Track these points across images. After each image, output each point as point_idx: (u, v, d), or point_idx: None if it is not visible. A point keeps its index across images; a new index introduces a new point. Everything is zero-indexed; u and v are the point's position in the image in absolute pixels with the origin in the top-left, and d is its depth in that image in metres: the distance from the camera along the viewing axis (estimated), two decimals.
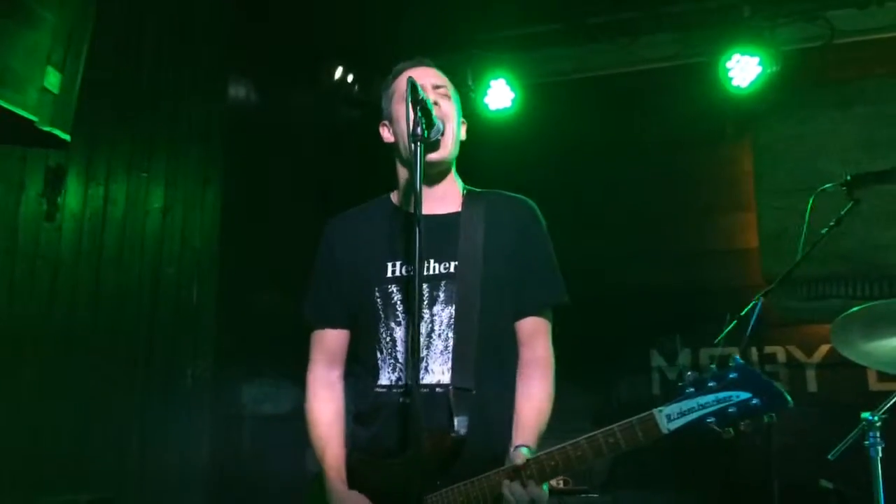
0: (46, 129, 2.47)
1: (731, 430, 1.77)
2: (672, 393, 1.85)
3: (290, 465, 4.82)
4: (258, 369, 4.83)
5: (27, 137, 2.52)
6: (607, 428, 1.86)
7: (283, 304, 4.97)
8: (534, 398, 2.14)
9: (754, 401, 1.74)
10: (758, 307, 1.72)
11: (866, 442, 3.05)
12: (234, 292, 4.71)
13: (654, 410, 1.82)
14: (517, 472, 1.90)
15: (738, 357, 1.78)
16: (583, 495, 4.15)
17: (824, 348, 4.97)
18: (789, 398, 1.73)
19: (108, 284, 4.06)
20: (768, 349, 4.99)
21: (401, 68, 2.34)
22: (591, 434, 1.87)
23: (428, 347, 2.12)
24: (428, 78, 2.28)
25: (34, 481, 3.53)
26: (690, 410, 1.79)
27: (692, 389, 1.79)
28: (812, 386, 5.01)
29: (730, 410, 1.76)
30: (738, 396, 1.75)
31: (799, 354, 5.08)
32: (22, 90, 2.35)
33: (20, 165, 3.63)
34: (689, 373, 1.81)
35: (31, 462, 3.53)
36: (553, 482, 4.13)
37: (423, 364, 2.10)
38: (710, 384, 1.78)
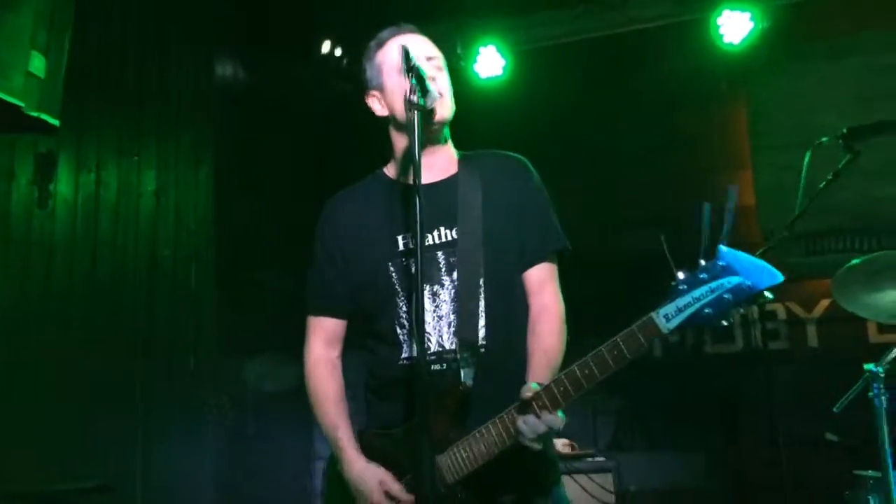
0: (34, 114, 2.43)
1: (730, 319, 1.76)
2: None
3: (294, 442, 4.85)
4: (260, 347, 4.83)
5: (15, 124, 2.49)
6: (609, 341, 1.84)
7: (282, 280, 4.97)
8: (544, 341, 2.13)
9: (747, 283, 1.71)
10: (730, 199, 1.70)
11: (870, 393, 3.06)
12: (232, 272, 4.70)
13: (652, 313, 1.80)
14: (528, 405, 1.89)
15: (722, 245, 1.75)
16: (588, 459, 4.17)
17: (824, 303, 4.98)
18: (779, 274, 1.71)
19: (105, 269, 4.05)
20: (768, 306, 4.99)
21: (386, 36, 2.27)
22: (595, 350, 1.85)
23: (454, 312, 2.12)
24: (420, 48, 2.22)
25: (37, 469, 3.54)
26: (687, 305, 1.76)
27: (685, 286, 1.76)
28: (813, 341, 5.03)
29: (725, 297, 1.73)
30: (730, 282, 1.72)
31: (799, 310, 5.10)
32: (7, 75, 2.31)
33: (9, 153, 3.59)
34: (679, 272, 1.79)
35: (33, 449, 3.53)
36: (559, 446, 4.16)
37: (452, 329, 2.11)
38: (702, 276, 1.75)
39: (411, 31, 2.29)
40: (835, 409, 3.19)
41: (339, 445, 2.18)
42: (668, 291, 1.78)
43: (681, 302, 1.77)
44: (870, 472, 3.29)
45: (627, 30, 5.37)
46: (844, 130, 3.50)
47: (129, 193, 4.24)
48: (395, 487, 2.05)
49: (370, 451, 2.16)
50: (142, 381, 4.12)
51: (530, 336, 2.16)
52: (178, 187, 4.53)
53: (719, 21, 5.10)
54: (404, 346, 2.17)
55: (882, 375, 3.05)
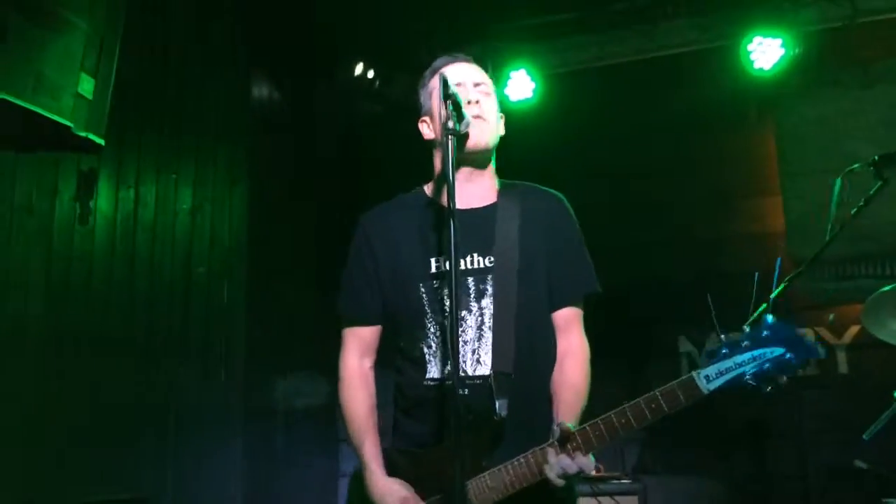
0: (82, 133, 2.53)
1: (769, 386, 1.82)
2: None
3: (323, 458, 4.89)
4: (289, 364, 4.89)
5: (63, 143, 2.58)
6: (649, 394, 1.91)
7: (310, 299, 5.04)
8: (571, 381, 2.17)
9: (788, 355, 1.81)
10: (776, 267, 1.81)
11: None
12: (263, 289, 4.78)
13: (693, 373, 1.88)
14: (563, 445, 1.93)
15: (769, 316, 1.82)
16: (614, 481, 4.17)
17: (854, 329, 4.94)
18: (821, 350, 1.79)
19: (142, 285, 4.14)
20: (798, 331, 4.96)
21: (439, 64, 2.35)
22: (633, 401, 1.92)
23: (479, 339, 2.16)
24: (468, 75, 2.30)
25: (72, 479, 3.61)
26: (728, 370, 1.84)
27: (727, 350, 1.85)
28: (843, 367, 4.99)
29: (766, 367, 1.81)
30: (772, 353, 1.82)
31: (828, 336, 5.06)
32: (57, 97, 2.41)
33: (53, 170, 3.70)
34: (722, 336, 1.86)
35: (69, 460, 3.60)
36: None
37: (476, 356, 2.15)
38: (745, 343, 1.84)
39: (462, 60, 2.36)
40: (864, 437, 3.17)
41: (365, 459, 2.22)
42: (710, 352, 1.88)
43: (723, 366, 1.86)
44: None
45: (657, 55, 5.41)
46: (876, 157, 3.50)
47: (166, 211, 4.35)
48: (416, 502, 2.08)
49: (394, 468, 2.19)
50: (175, 396, 4.19)
51: (558, 373, 2.20)
52: (213, 206, 4.62)
53: (750, 47, 5.11)
54: (429, 366, 2.21)
55: None
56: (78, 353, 3.72)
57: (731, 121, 5.47)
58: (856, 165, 3.49)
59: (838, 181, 3.55)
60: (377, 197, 2.51)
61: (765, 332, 1.82)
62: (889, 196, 3.60)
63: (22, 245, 3.54)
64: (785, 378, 1.83)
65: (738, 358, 1.83)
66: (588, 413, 2.09)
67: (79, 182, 3.83)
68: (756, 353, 1.82)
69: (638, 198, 5.54)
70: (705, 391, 1.86)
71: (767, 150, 5.42)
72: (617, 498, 4.03)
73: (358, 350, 2.37)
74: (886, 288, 3.31)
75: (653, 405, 1.89)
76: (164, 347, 4.20)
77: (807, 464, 3.46)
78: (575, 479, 2.00)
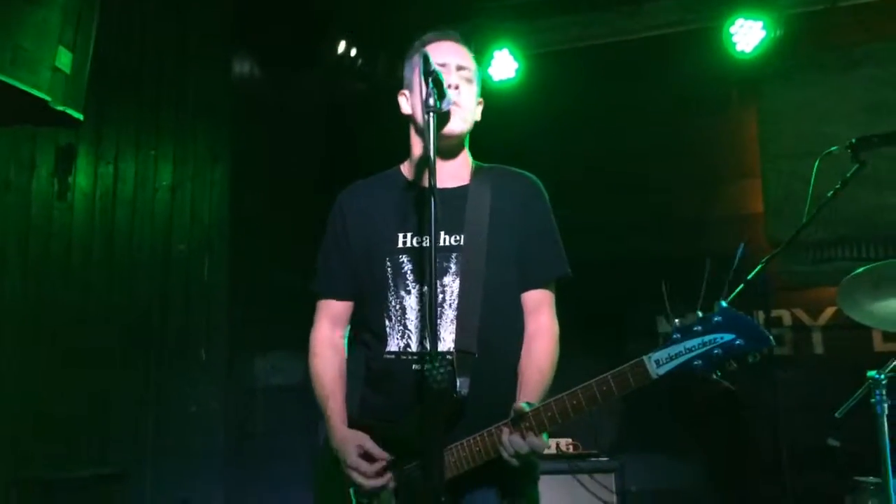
0: (59, 108, 2.50)
1: (718, 372, 1.83)
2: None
3: (304, 436, 4.90)
4: (271, 342, 4.89)
5: (40, 117, 2.55)
6: (601, 377, 1.93)
7: (293, 276, 5.02)
8: (537, 361, 2.20)
9: (738, 341, 1.81)
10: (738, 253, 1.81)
11: (872, 399, 3.10)
12: (244, 266, 4.76)
13: (644, 357, 1.89)
14: (516, 425, 1.97)
15: (722, 301, 1.83)
16: (592, 459, 4.22)
17: (830, 311, 5.00)
18: (771, 337, 1.80)
19: (121, 261, 4.12)
20: (774, 313, 5.02)
21: (429, 38, 2.35)
22: (585, 383, 1.94)
23: (440, 317, 2.17)
24: (453, 57, 2.30)
25: (53, 456, 3.61)
26: (678, 355, 1.85)
27: (678, 335, 1.86)
28: (818, 348, 5.06)
29: (715, 352, 1.82)
30: (722, 338, 1.82)
31: (805, 317, 5.12)
32: (35, 70, 2.38)
33: (30, 145, 3.67)
34: (675, 320, 1.87)
35: (49, 437, 3.60)
36: (563, 446, 4.21)
37: (436, 333, 2.14)
38: (696, 328, 1.85)
39: (450, 39, 2.36)
40: (837, 415, 3.23)
41: (328, 415, 2.27)
42: (663, 336, 1.87)
43: (672, 350, 1.87)
44: (871, 477, 3.33)
45: (639, 36, 5.41)
46: (853, 140, 3.53)
47: (145, 187, 4.32)
48: (373, 448, 2.12)
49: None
50: (154, 372, 4.19)
51: (525, 354, 2.23)
52: (193, 182, 4.60)
53: (732, 29, 5.12)
54: (389, 339, 2.25)
55: (884, 382, 3.09)
56: (56, 330, 3.71)
57: (713, 103, 5.49)
58: (833, 148, 3.52)
59: (816, 164, 3.58)
60: (360, 175, 2.52)
61: (716, 318, 1.83)
62: (866, 179, 3.64)
63: None
64: (735, 364, 1.84)
65: (688, 343, 1.84)
66: (559, 392, 2.11)
67: (57, 157, 3.80)
68: (706, 338, 1.83)
69: (619, 178, 5.56)
70: (654, 375, 1.88)
71: (749, 132, 5.45)
72: (594, 475, 4.08)
73: (328, 322, 2.41)
74: (860, 270, 3.35)
75: (604, 388, 1.92)
76: (143, 324, 4.19)
77: (780, 442, 3.51)
78: (531, 458, 2.02)
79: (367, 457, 2.12)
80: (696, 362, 1.84)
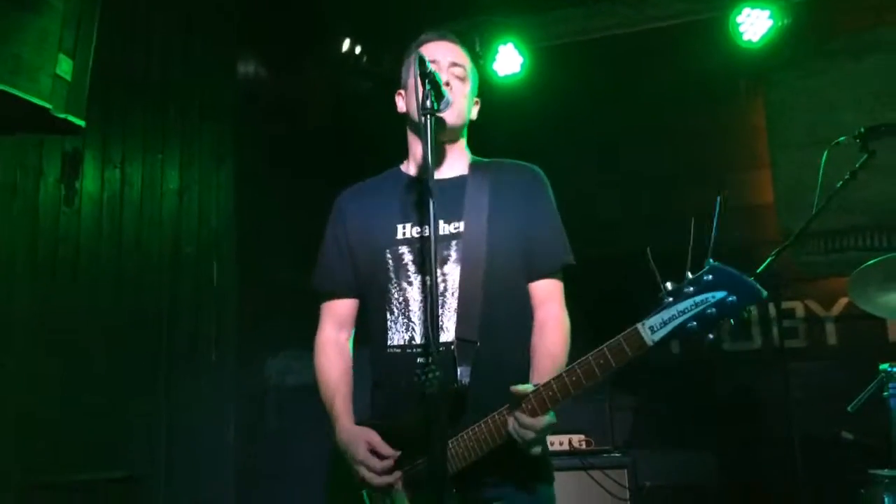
0: (61, 115, 2.50)
1: (714, 332, 1.79)
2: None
3: (317, 436, 4.90)
4: (281, 343, 4.90)
5: (42, 125, 2.56)
6: (597, 349, 1.89)
7: (301, 277, 5.02)
8: (549, 348, 2.18)
9: (730, 298, 1.75)
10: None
11: (885, 393, 3.07)
12: (253, 268, 4.77)
13: (638, 324, 1.84)
14: (518, 406, 1.94)
15: (711, 259, 1.79)
16: (604, 455, 4.20)
17: (843, 301, 4.96)
18: (763, 291, 1.75)
19: (129, 266, 4.13)
20: (786, 304, 4.99)
21: (423, 39, 2.35)
22: (582, 358, 1.91)
23: (442, 306, 2.16)
24: (446, 55, 2.30)
25: (65, 461, 3.62)
26: (672, 318, 1.80)
27: (671, 298, 1.81)
28: (832, 339, 5.02)
29: (708, 311, 1.77)
30: (714, 297, 1.76)
31: (817, 308, 5.08)
32: (35, 78, 2.39)
33: (37, 151, 3.67)
34: (667, 283, 1.82)
35: (60, 442, 3.61)
36: (576, 442, 4.20)
37: (438, 323, 2.13)
38: (687, 290, 1.79)
39: (443, 39, 2.35)
40: (849, 409, 3.20)
41: (335, 414, 2.25)
42: (655, 303, 1.83)
43: (666, 315, 1.81)
44: (885, 470, 3.29)
45: (645, 27, 5.37)
46: (862, 129, 3.50)
47: (152, 191, 4.32)
48: (380, 444, 2.10)
49: None
50: (165, 375, 4.20)
51: (537, 340, 2.21)
52: (200, 185, 4.60)
53: (739, 19, 5.08)
54: (391, 333, 2.23)
55: None
56: (65, 336, 3.71)
57: (721, 93, 5.45)
58: (841, 139, 3.49)
59: (825, 153, 3.55)
60: (366, 172, 2.52)
61: (707, 277, 1.77)
62: (877, 168, 3.61)
63: (6, 226, 3.52)
64: (731, 322, 1.78)
65: (681, 305, 1.78)
66: None
67: (63, 163, 3.81)
68: (699, 298, 1.77)
69: (627, 171, 5.53)
70: (650, 342, 1.83)
71: (757, 123, 5.40)
72: (607, 471, 4.06)
73: (333, 324, 2.41)
74: (871, 262, 3.32)
75: (601, 360, 1.88)
76: (153, 328, 4.20)
77: (794, 435, 3.48)
78: (543, 435, 1.99)
79: (376, 453, 2.11)
80: (690, 324, 1.79)
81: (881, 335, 4.80)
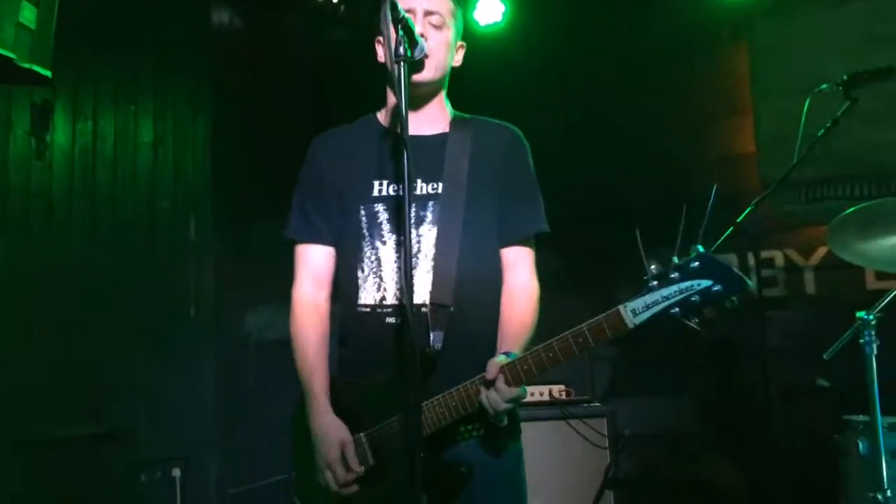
0: (25, 65, 2.41)
1: (696, 319, 1.79)
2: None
3: (295, 390, 4.91)
4: (260, 297, 4.87)
5: (6, 75, 2.47)
6: (576, 328, 1.88)
7: (280, 231, 4.98)
8: (520, 316, 2.15)
9: (715, 287, 1.75)
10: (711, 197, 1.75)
11: (861, 340, 3.09)
12: (230, 222, 4.72)
13: (620, 306, 1.83)
14: (493, 379, 1.93)
15: (699, 246, 1.77)
16: (584, 405, 4.24)
17: (822, 250, 4.97)
18: (749, 281, 1.75)
19: (104, 221, 4.07)
20: (766, 254, 5.00)
21: None
22: (561, 335, 1.89)
23: (415, 268, 2.12)
24: (421, 2, 2.19)
25: (48, 417, 3.61)
26: (655, 303, 1.79)
27: (655, 283, 1.80)
28: (810, 288, 5.04)
29: (692, 299, 1.76)
30: (699, 285, 1.76)
31: (797, 257, 5.09)
32: None
33: (5, 103, 3.59)
34: (652, 266, 1.81)
35: (41, 399, 3.60)
36: (555, 392, 4.23)
37: (412, 285, 2.09)
38: (673, 275, 1.78)
39: None
40: (825, 357, 3.22)
41: (312, 392, 2.18)
42: (640, 286, 1.81)
43: (649, 299, 1.80)
44: (859, 416, 3.34)
45: None
46: (845, 77, 3.47)
47: (126, 145, 4.24)
48: (353, 458, 2.05)
49: (338, 399, 2.17)
50: (144, 331, 4.17)
51: (506, 307, 2.18)
52: (175, 137, 4.52)
53: None
54: (361, 291, 2.18)
55: (873, 323, 3.08)
56: (40, 293, 3.67)
57: (705, 41, 5.37)
58: (824, 86, 3.46)
59: (807, 102, 3.52)
60: (344, 122, 2.45)
61: (693, 264, 1.76)
62: (858, 117, 3.59)
63: None
64: (713, 311, 1.78)
65: (665, 291, 1.77)
66: (549, 339, 2.08)
67: (33, 115, 3.72)
68: (683, 285, 1.76)
69: (609, 121, 5.47)
70: (631, 325, 1.82)
71: (740, 71, 5.35)
72: (586, 420, 4.10)
73: (310, 278, 2.31)
74: (850, 210, 3.31)
75: (580, 339, 1.87)
76: (130, 283, 4.16)
77: (771, 383, 3.52)
78: (512, 410, 1.98)
79: (345, 461, 2.06)
80: (673, 310, 1.78)
81: (860, 284, 4.83)
